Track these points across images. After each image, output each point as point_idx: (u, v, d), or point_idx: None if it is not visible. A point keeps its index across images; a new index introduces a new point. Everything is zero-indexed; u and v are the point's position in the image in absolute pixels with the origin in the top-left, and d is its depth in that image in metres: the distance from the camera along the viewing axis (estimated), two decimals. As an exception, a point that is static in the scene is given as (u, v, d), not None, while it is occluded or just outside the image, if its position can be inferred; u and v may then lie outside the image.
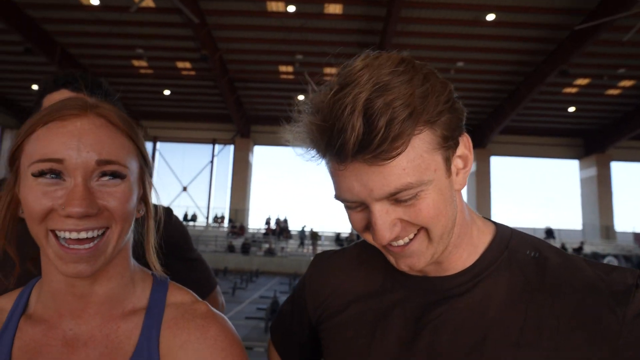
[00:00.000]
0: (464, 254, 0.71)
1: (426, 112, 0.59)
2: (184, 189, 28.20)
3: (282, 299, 11.03)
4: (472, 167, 0.75)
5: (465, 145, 0.67)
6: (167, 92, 23.21)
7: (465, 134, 0.67)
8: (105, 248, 0.64)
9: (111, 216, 0.63)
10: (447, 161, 0.64)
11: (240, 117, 24.72)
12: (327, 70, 20.03)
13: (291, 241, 24.14)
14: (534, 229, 25.85)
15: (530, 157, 27.62)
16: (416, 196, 0.61)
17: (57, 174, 0.61)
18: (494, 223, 0.76)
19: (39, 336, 0.67)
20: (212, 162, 27.97)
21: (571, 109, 22.74)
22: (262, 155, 30.02)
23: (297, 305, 0.91)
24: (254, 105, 24.97)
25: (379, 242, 0.64)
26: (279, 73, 20.64)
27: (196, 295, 0.76)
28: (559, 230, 25.45)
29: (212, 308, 0.74)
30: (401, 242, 0.65)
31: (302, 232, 23.28)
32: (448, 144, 0.63)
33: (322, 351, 0.83)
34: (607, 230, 25.50)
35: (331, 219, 29.27)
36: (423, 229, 0.65)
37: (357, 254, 0.86)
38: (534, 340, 0.62)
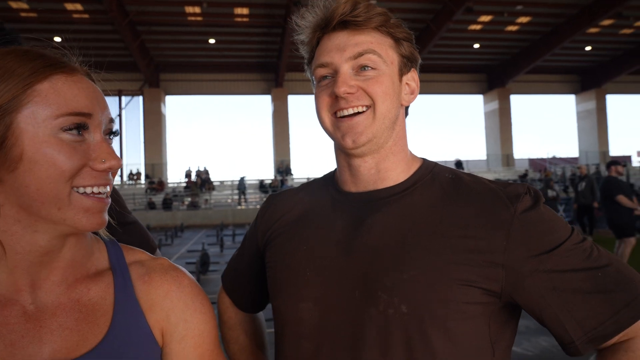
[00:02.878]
0: (399, 166, 0.86)
1: (394, 29, 0.83)
2: (92, 146, 26.14)
3: (211, 250, 11.02)
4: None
5: (414, 79, 0.88)
6: (57, 39, 20.65)
7: (416, 72, 0.89)
8: (109, 202, 0.67)
9: (112, 174, 0.66)
10: (401, 71, 0.85)
11: (147, 65, 22.95)
12: (238, 10, 18.99)
13: (214, 192, 23.76)
14: (445, 161, 27.85)
15: (440, 94, 29.12)
16: (375, 70, 0.80)
17: (81, 129, 0.61)
18: (422, 158, 0.93)
19: None
20: (120, 115, 26.00)
21: (476, 46, 24.01)
22: (176, 105, 28.50)
23: (248, 242, 1.02)
24: (162, 52, 23.25)
25: (337, 91, 0.79)
26: (185, 15, 19.18)
27: (148, 253, 0.80)
28: (467, 161, 27.68)
29: (171, 262, 0.79)
30: (351, 110, 0.81)
31: (242, 180, 22.76)
32: (404, 61, 0.85)
33: (267, 272, 0.92)
34: (508, 158, 28.22)
35: (254, 167, 29.09)
36: (370, 109, 0.81)
37: (306, 185, 1.01)
38: (447, 231, 0.76)
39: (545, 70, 27.41)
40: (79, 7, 17.72)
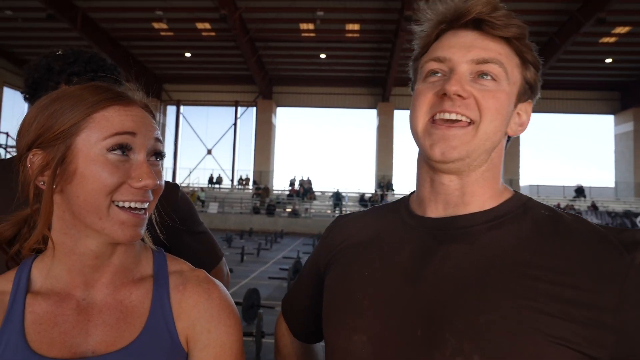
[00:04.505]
0: (488, 192, 0.75)
1: (526, 49, 0.74)
2: (209, 151, 28.59)
3: (305, 258, 11.23)
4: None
5: (527, 112, 0.78)
6: (188, 55, 23.11)
7: (531, 105, 0.79)
8: (147, 217, 0.74)
9: (155, 191, 0.73)
10: (519, 96, 0.75)
11: (262, 78, 24.51)
12: (349, 26, 19.44)
13: (315, 202, 24.37)
14: (564, 187, 25.27)
15: (563, 113, 26.60)
16: (495, 82, 0.71)
17: (126, 149, 0.69)
18: (515, 191, 0.81)
19: (52, 308, 0.71)
20: (235, 124, 28.10)
21: (608, 60, 21.55)
22: (285, 116, 29.93)
23: (309, 264, 0.95)
24: (276, 66, 24.66)
25: (448, 88, 0.69)
26: (299, 31, 20.16)
27: (190, 264, 0.85)
28: (590, 188, 24.80)
29: (207, 274, 0.84)
30: (454, 116, 0.70)
31: (338, 194, 23.24)
32: (525, 88, 0.76)
33: (324, 295, 0.83)
34: (642, 187, 24.68)
35: (355, 180, 29.34)
36: (474, 125, 0.71)
37: (375, 208, 0.93)
38: (540, 273, 0.63)
39: (697, 89, 23.57)
40: (207, 25, 19.62)
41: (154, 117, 0.78)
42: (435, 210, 0.77)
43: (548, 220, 0.70)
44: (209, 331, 0.77)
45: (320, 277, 0.89)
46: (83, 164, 0.68)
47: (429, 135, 0.73)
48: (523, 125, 0.78)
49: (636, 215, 19.43)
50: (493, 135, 0.72)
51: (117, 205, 0.69)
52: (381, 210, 0.89)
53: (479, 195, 0.74)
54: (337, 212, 23.01)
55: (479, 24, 0.72)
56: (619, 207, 22.00)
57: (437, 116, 0.71)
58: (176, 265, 0.83)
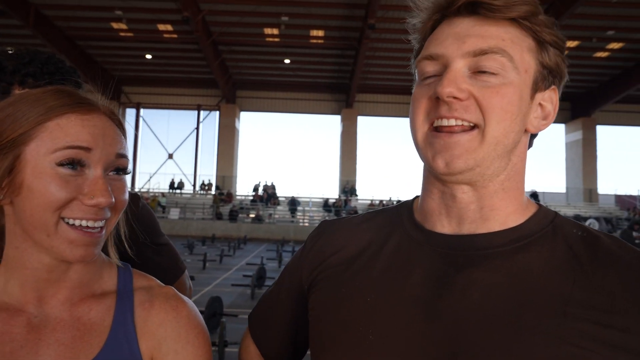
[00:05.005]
0: (510, 207, 0.64)
1: (541, 27, 0.61)
2: (170, 156, 27.89)
3: (269, 265, 11.16)
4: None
5: (552, 100, 0.66)
6: (149, 57, 22.53)
7: (557, 92, 0.66)
8: (104, 236, 0.69)
9: (115, 207, 0.68)
10: (535, 84, 0.63)
11: (226, 82, 24.22)
12: (314, 32, 19.55)
13: (279, 207, 24.24)
14: (519, 193, 26.32)
15: (517, 121, 27.72)
16: (498, 76, 0.59)
17: (78, 164, 0.64)
18: (538, 204, 0.70)
19: None
20: (197, 128, 27.57)
21: (559, 73, 22.69)
22: (249, 121, 29.69)
23: (288, 278, 0.82)
24: (240, 70, 24.44)
25: (440, 91, 0.59)
26: (264, 36, 20.09)
27: (157, 280, 0.81)
28: (543, 193, 25.95)
29: (177, 291, 0.79)
30: (453, 121, 0.60)
31: (294, 200, 23.35)
32: (544, 73, 0.63)
33: (310, 322, 0.73)
34: (590, 193, 26.07)
35: (319, 185, 29.45)
36: (478, 128, 0.60)
37: (371, 216, 0.79)
38: (581, 312, 0.54)
39: None
40: (169, 27, 19.21)
41: (120, 126, 0.72)
42: (447, 226, 0.66)
43: (583, 242, 0.61)
44: (176, 352, 0.72)
45: (302, 293, 0.77)
46: (30, 177, 0.63)
47: (430, 145, 0.63)
48: (548, 118, 0.66)
49: (586, 219, 20.50)
50: (504, 138, 0.61)
51: (67, 223, 0.64)
52: (378, 218, 0.77)
53: (500, 209, 0.64)
54: (294, 217, 22.99)
55: (475, 8, 0.61)
56: (570, 212, 23.14)
57: (436, 123, 0.62)
58: (143, 281, 0.78)
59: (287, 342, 0.82)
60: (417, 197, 0.75)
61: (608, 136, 30.89)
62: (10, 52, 1.12)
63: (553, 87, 0.65)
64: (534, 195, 24.36)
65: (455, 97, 0.59)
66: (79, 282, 0.71)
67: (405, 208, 0.75)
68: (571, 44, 19.27)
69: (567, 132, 27.43)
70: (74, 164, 0.63)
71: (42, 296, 0.68)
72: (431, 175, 0.67)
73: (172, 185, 26.01)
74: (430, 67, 0.64)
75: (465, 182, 0.63)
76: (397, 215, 0.75)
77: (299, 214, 23.67)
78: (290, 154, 33.61)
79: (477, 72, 0.60)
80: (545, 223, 0.64)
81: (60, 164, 0.63)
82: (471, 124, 0.60)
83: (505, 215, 0.64)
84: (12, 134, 0.64)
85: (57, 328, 0.68)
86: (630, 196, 27.06)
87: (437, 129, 0.62)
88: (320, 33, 19.58)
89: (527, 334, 0.54)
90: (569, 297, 0.55)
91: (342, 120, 26.33)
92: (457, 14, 0.63)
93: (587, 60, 20.96)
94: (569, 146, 27.53)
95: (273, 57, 22.38)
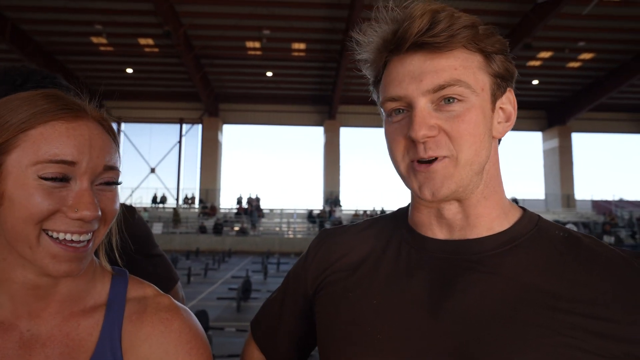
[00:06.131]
0: (494, 212, 0.70)
1: (484, 41, 0.66)
2: (152, 170, 27.57)
3: (255, 277, 11.08)
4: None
5: (510, 101, 0.71)
6: (129, 71, 22.38)
7: (512, 92, 0.71)
8: (92, 248, 0.65)
9: (103, 219, 0.64)
10: (494, 95, 0.68)
11: (208, 96, 24.16)
12: (295, 45, 19.72)
13: (264, 220, 24.12)
14: (500, 200, 26.69)
15: (496, 130, 28.26)
16: (461, 102, 0.64)
17: (63, 179, 0.60)
18: (522, 207, 0.76)
19: None
20: (180, 142, 27.37)
21: (535, 82, 23.34)
22: (232, 134, 29.59)
23: (292, 285, 0.85)
24: (222, 83, 24.43)
25: (414, 136, 0.64)
26: (246, 49, 20.17)
27: (158, 289, 0.76)
28: (523, 200, 26.42)
29: (176, 301, 0.74)
30: (430, 156, 0.65)
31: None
32: (497, 82, 0.68)
33: (318, 325, 0.76)
34: (568, 198, 26.66)
35: (303, 197, 29.41)
36: (451, 158, 0.65)
37: (369, 224, 0.84)
38: (570, 305, 0.59)
39: (612, 108, 26.03)
40: (150, 41, 19.14)
41: (111, 131, 0.68)
42: (439, 232, 0.72)
43: (566, 242, 0.67)
44: None
45: (307, 298, 0.81)
46: (12, 187, 0.59)
47: (414, 177, 0.68)
48: (510, 119, 0.71)
49: (564, 224, 20.89)
50: (477, 157, 0.66)
51: (51, 236, 0.60)
52: (377, 226, 0.82)
53: (485, 216, 0.69)
54: (279, 230, 22.91)
55: (422, 45, 0.65)
56: (549, 217, 23.00)
57: (415, 158, 0.67)
58: (138, 290, 0.73)
59: (293, 346, 0.85)
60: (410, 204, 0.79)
61: (584, 143, 31.76)
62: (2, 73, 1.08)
63: (508, 89, 0.70)
64: (514, 202, 24.76)
65: (428, 137, 0.64)
66: (69, 295, 0.67)
67: (401, 216, 0.80)
68: (545, 54, 19.88)
69: (544, 139, 28.09)
70: (58, 179, 0.60)
71: (32, 310, 0.65)
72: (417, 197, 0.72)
73: (154, 200, 25.67)
74: (394, 105, 0.68)
75: (451, 199, 0.69)
76: (394, 223, 0.80)
77: (283, 225, 23.58)
78: (274, 166, 33.56)
79: (441, 102, 0.65)
80: (531, 226, 0.70)
81: (44, 177, 0.59)
82: (444, 155, 0.65)
83: (490, 221, 0.70)
84: None
85: (47, 344, 0.65)
86: (606, 201, 27.79)
87: (416, 164, 0.67)
88: (302, 46, 19.76)
89: (523, 326, 0.59)
90: (557, 293, 0.61)
91: (325, 131, 26.46)
92: (407, 52, 0.66)
93: (560, 70, 21.62)
94: (546, 154, 28.17)
95: (255, 70, 22.45)
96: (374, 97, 0.76)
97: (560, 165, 26.78)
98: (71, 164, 0.60)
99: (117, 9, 16.33)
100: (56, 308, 0.67)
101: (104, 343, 0.66)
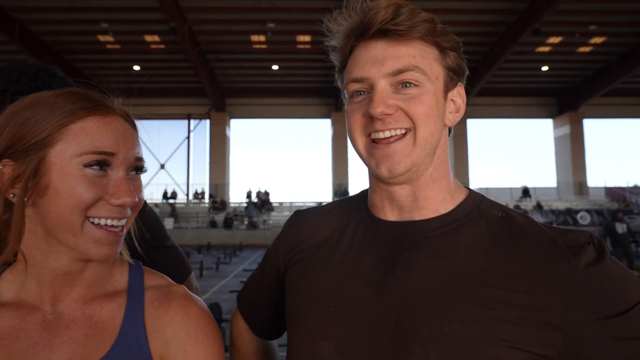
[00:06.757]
0: (440, 195, 0.76)
1: (441, 37, 0.73)
2: (162, 166, 27.78)
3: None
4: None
5: (460, 95, 0.79)
6: (137, 68, 22.48)
7: (462, 87, 0.79)
8: (125, 233, 0.71)
9: (133, 207, 0.70)
10: (446, 86, 0.75)
11: (214, 91, 24.21)
12: (300, 38, 19.64)
13: (273, 213, 24.22)
14: (511, 189, 26.53)
15: (506, 118, 28.03)
16: (417, 87, 0.71)
17: (103, 166, 0.66)
18: (468, 188, 0.82)
19: (16, 322, 0.68)
20: (188, 138, 27.51)
21: (544, 68, 22.99)
22: (240, 128, 29.66)
23: (268, 261, 0.94)
24: (228, 78, 24.44)
25: (373, 112, 0.70)
26: (251, 43, 20.13)
27: (170, 280, 0.81)
28: (535, 189, 26.20)
29: (189, 291, 0.80)
30: (388, 133, 0.72)
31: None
32: (450, 75, 0.75)
33: (286, 299, 0.84)
34: (580, 186, 26.35)
35: (312, 189, 29.46)
36: (410, 132, 0.72)
37: (335, 205, 0.92)
38: (495, 281, 0.66)
39: (625, 93, 25.54)
40: (156, 38, 19.20)
41: (134, 127, 0.75)
42: (391, 214, 0.79)
43: (501, 222, 0.73)
44: (185, 351, 0.72)
45: (280, 273, 0.89)
46: (57, 179, 0.64)
47: (372, 155, 0.74)
48: (459, 110, 0.79)
49: (577, 212, 20.72)
50: (431, 137, 0.73)
51: (93, 222, 0.66)
52: (341, 208, 0.89)
53: (431, 199, 0.76)
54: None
55: (385, 33, 0.72)
56: (561, 205, 23.36)
57: (373, 135, 0.73)
58: (154, 279, 0.79)
59: (271, 317, 0.95)
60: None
61: (596, 129, 31.33)
62: None
63: (459, 84, 0.78)
64: (525, 190, 24.58)
65: (386, 114, 0.71)
66: (93, 280, 0.72)
67: (361, 198, 0.88)
68: (554, 39, 19.54)
69: (555, 127, 27.74)
70: (101, 165, 0.66)
71: (57, 295, 0.70)
72: (374, 177, 0.79)
73: (165, 195, 25.89)
74: (357, 87, 0.75)
75: (404, 181, 0.75)
76: (357, 205, 0.87)
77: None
78: (282, 160, 33.61)
79: (398, 86, 0.72)
80: (472, 208, 0.76)
81: (88, 165, 0.65)
82: (403, 130, 0.72)
83: (436, 203, 0.76)
84: (35, 137, 0.64)
85: (70, 326, 0.69)
86: (620, 188, 27.42)
87: (375, 141, 0.74)
88: (307, 38, 19.67)
89: (453, 301, 0.67)
90: (487, 270, 0.68)
91: (333, 123, 26.41)
92: (371, 38, 0.74)
93: (571, 55, 21.26)
94: (557, 141, 27.84)
95: (261, 64, 22.42)
96: (339, 83, 0.84)
97: (572, 152, 26.45)
98: (111, 154, 0.67)
99: (122, 7, 16.38)
100: (79, 293, 0.72)
101: (128, 325, 0.71)
